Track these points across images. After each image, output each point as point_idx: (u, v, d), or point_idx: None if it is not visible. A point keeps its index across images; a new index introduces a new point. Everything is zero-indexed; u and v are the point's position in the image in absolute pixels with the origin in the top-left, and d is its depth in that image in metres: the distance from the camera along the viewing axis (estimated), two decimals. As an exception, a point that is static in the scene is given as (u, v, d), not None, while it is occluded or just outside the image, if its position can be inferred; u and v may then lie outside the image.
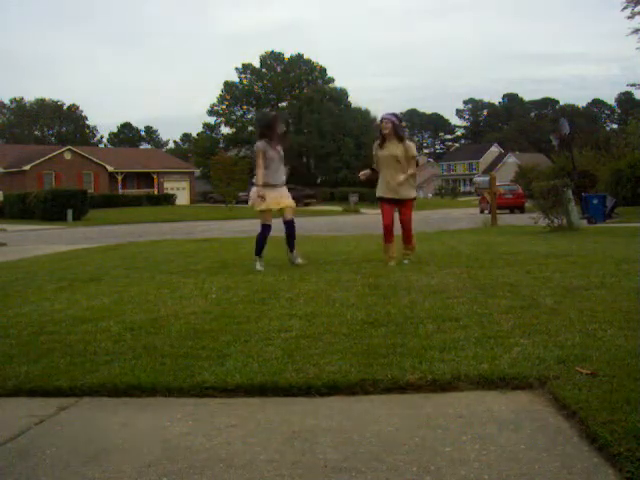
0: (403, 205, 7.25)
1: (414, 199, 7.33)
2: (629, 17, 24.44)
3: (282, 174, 7.23)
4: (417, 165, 7.39)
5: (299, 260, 7.29)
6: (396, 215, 7.33)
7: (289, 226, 7.23)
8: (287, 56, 72.92)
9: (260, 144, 7.09)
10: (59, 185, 41.23)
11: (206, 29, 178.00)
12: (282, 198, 7.19)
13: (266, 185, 7.04)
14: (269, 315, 4.44)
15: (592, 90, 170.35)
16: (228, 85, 72.18)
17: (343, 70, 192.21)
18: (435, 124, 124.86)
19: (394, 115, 7.30)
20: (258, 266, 7.05)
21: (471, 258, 7.58)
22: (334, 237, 13.44)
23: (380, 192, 7.26)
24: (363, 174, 7.54)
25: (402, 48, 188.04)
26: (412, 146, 7.26)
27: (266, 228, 7.17)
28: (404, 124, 8.23)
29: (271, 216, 7.20)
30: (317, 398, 2.90)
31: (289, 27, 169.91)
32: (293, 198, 7.37)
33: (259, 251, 7.15)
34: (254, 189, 7.12)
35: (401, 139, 7.16)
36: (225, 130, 73.29)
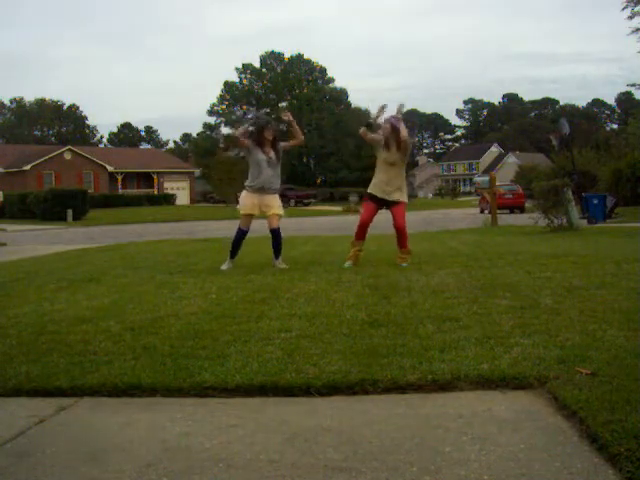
0: (395, 208, 7.07)
1: (405, 204, 7.17)
2: (629, 17, 24.48)
3: (269, 180, 7.05)
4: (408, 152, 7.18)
5: (283, 265, 7.12)
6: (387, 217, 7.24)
7: (274, 235, 7.15)
8: (287, 56, 72.91)
9: (249, 143, 7.09)
10: (59, 185, 41.19)
11: (206, 29, 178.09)
12: (267, 207, 7.07)
13: (249, 188, 7.07)
14: (269, 315, 4.44)
15: (592, 90, 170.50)
16: (228, 85, 72.17)
17: (343, 70, 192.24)
18: (435, 124, 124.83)
19: (395, 118, 7.18)
20: (224, 265, 7.15)
21: (471, 258, 7.58)
22: (334, 237, 13.44)
23: (372, 189, 7.13)
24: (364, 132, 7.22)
25: (402, 48, 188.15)
26: (407, 139, 7.05)
27: (239, 232, 7.16)
28: (411, 123, 8.08)
29: (248, 221, 7.14)
30: (317, 398, 2.90)
31: (289, 27, 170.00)
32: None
33: (231, 253, 7.20)
34: (242, 192, 7.18)
35: (399, 141, 7.01)
36: (225, 130, 73.32)
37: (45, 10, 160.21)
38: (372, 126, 7.33)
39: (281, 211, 7.21)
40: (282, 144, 7.31)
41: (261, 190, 7.05)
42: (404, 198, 7.15)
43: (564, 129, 18.99)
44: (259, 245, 9.40)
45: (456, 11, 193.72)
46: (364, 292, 5.26)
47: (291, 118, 7.27)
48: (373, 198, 7.13)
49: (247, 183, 7.12)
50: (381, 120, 7.21)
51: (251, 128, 7.28)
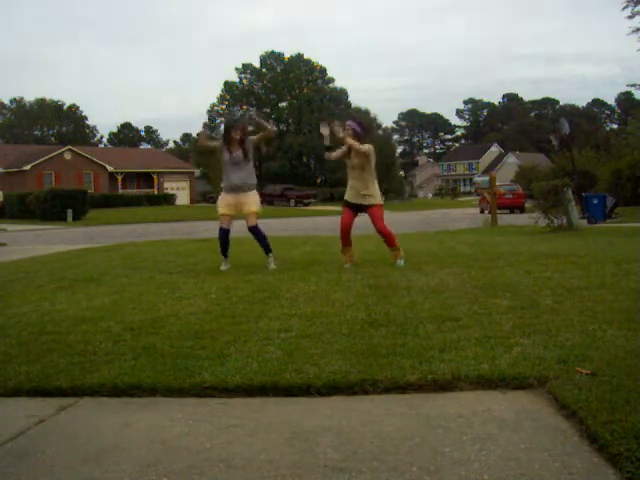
0: (371, 211, 7.03)
1: (380, 205, 7.12)
2: (629, 17, 24.48)
3: (240, 178, 7.06)
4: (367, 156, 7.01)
5: (272, 266, 7.06)
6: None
7: (253, 234, 7.18)
8: (287, 56, 72.89)
9: (219, 142, 7.19)
10: (59, 185, 41.17)
11: (206, 29, 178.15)
12: (241, 205, 7.11)
13: (223, 189, 7.19)
14: (269, 315, 4.44)
15: (592, 90, 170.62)
16: (228, 85, 72.15)
17: (343, 70, 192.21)
18: (435, 124, 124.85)
19: (355, 121, 7.14)
20: (222, 266, 7.21)
21: (471, 258, 7.58)
22: (334, 237, 13.42)
23: (346, 195, 7.19)
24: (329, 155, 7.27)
25: (402, 48, 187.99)
26: (365, 147, 6.94)
27: (220, 230, 7.21)
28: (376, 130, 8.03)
29: (227, 220, 7.16)
30: (317, 398, 2.90)
31: (289, 27, 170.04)
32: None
33: (222, 252, 7.25)
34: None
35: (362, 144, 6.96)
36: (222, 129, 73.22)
37: (45, 10, 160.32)
38: (332, 148, 7.34)
39: (255, 207, 7.18)
40: (252, 138, 7.28)
41: (234, 189, 7.11)
42: (377, 200, 7.10)
43: (564, 129, 18.99)
44: (256, 244, 9.38)
45: (456, 11, 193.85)
46: (364, 292, 5.26)
47: (258, 118, 7.37)
48: (348, 204, 7.17)
49: (222, 184, 7.28)
50: (341, 133, 7.13)
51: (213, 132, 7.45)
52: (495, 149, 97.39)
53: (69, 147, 52.72)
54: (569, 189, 14.01)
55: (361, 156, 6.95)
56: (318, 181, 68.43)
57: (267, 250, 7.21)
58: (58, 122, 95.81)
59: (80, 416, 2.81)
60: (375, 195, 7.09)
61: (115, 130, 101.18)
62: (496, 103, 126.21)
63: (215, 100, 72.84)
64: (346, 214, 7.16)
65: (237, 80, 72.86)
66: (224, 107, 72.34)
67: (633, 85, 58.80)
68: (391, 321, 4.09)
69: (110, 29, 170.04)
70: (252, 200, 7.18)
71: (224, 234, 7.18)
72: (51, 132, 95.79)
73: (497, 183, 19.82)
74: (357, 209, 7.15)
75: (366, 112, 67.45)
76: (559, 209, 13.87)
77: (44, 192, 33.65)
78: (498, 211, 19.06)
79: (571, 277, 5.66)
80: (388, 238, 7.09)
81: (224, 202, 7.17)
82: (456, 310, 4.35)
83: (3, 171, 48.18)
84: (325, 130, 7.26)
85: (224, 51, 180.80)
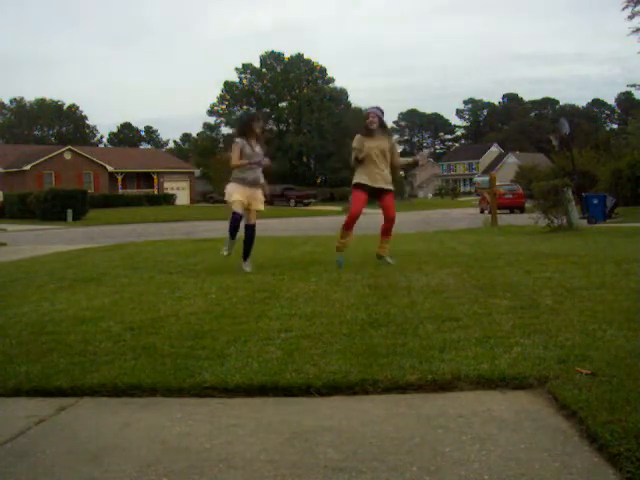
0: (386, 196, 7.13)
1: (393, 191, 7.29)
2: (629, 17, 24.48)
3: (257, 174, 7.07)
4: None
5: (248, 268, 6.97)
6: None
7: (249, 232, 7.09)
8: (287, 56, 72.92)
9: (239, 140, 7.05)
10: (59, 185, 41.18)
11: (206, 29, 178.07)
12: (253, 200, 7.07)
13: (237, 180, 7.05)
14: (269, 315, 4.44)
15: (592, 90, 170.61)
16: (228, 85, 72.16)
17: (343, 70, 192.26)
18: (435, 124, 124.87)
19: (379, 109, 7.34)
20: (224, 250, 7.25)
21: (471, 258, 7.58)
22: (334, 237, 13.42)
23: (360, 179, 7.10)
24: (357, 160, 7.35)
25: (402, 48, 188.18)
26: (393, 140, 7.41)
27: (234, 215, 6.99)
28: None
29: (241, 206, 7.00)
30: (317, 398, 2.90)
31: (289, 27, 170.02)
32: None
33: (230, 234, 7.12)
34: (229, 184, 7.12)
35: (387, 132, 7.31)
36: (225, 130, 73.33)
37: (45, 10, 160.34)
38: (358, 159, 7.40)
39: (262, 206, 7.18)
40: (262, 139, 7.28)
41: (248, 184, 7.02)
42: (392, 186, 7.27)
43: (564, 129, 18.98)
44: (258, 245, 9.39)
45: (456, 11, 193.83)
46: (364, 292, 5.26)
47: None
48: (362, 187, 7.11)
49: (235, 176, 7.08)
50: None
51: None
52: (495, 149, 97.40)
53: (69, 147, 52.73)
54: (569, 189, 14.01)
55: (387, 141, 7.18)
56: (318, 181, 68.48)
57: (247, 255, 7.08)
58: (58, 122, 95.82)
59: (80, 416, 2.81)
60: (389, 180, 7.23)
61: (115, 130, 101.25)
62: (496, 103, 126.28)
63: (215, 100, 72.96)
64: (361, 198, 7.13)
65: (237, 80, 72.93)
66: (224, 107, 72.37)
67: (633, 85, 58.85)
68: (391, 321, 4.09)
69: (110, 29, 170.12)
70: (260, 197, 7.17)
71: (238, 219, 7.04)
72: (51, 132, 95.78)
73: (497, 183, 19.82)
74: (372, 194, 7.16)
75: (366, 112, 67.41)
76: (559, 209, 13.87)
77: (44, 192, 33.66)
78: (498, 211, 19.06)
79: (571, 277, 5.66)
80: (392, 225, 7.19)
81: (239, 190, 7.03)
82: (456, 310, 4.35)
83: (3, 171, 48.18)
84: None
85: (224, 51, 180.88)
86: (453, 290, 5.18)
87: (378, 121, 7.14)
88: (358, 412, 2.70)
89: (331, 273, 6.46)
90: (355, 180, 7.17)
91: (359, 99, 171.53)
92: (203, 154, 63.98)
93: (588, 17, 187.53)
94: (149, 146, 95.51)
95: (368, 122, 7.17)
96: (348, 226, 7.17)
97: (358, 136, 7.21)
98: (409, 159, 8.04)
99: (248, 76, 72.78)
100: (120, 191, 52.57)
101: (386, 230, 7.21)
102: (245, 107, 71.76)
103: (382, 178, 7.09)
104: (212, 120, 73.34)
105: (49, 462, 2.31)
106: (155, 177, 55.92)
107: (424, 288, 5.32)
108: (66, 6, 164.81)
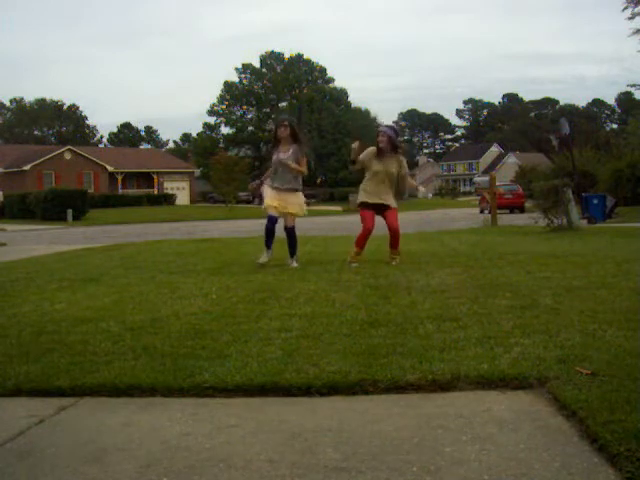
0: (389, 212, 7.25)
1: (396, 208, 7.39)
2: (629, 18, 24.48)
3: (283, 179, 7.12)
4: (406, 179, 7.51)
5: (294, 264, 7.19)
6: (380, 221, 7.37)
7: (288, 234, 7.25)
8: (287, 56, 72.92)
9: (273, 149, 7.27)
10: (59, 185, 41.18)
11: (206, 29, 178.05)
12: (285, 203, 7.13)
13: (268, 185, 7.24)
14: (269, 315, 4.44)
15: (592, 90, 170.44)
16: (228, 85, 72.14)
17: (343, 70, 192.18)
18: (435, 124, 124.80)
19: (392, 129, 7.38)
20: (261, 258, 7.24)
21: (471, 258, 7.58)
22: (334, 237, 13.43)
23: (365, 198, 7.26)
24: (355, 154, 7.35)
25: (402, 48, 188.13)
26: (404, 163, 7.38)
27: (269, 219, 7.15)
28: (401, 139, 8.36)
29: (275, 210, 7.12)
30: (317, 398, 2.90)
31: (289, 27, 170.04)
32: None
33: (266, 242, 7.24)
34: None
35: (399, 154, 7.29)
36: (225, 130, 73.33)
37: (45, 10, 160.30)
38: (354, 162, 7.46)
39: (295, 210, 7.21)
40: (298, 150, 7.16)
41: (277, 188, 7.16)
42: (395, 204, 7.38)
43: (564, 129, 18.99)
44: (258, 245, 9.39)
45: (456, 11, 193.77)
46: (364, 292, 5.26)
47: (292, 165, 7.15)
48: (367, 205, 7.28)
49: (264, 180, 7.46)
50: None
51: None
52: (495, 149, 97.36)
53: (69, 147, 52.76)
54: (569, 189, 14.01)
55: (396, 166, 7.20)
56: (318, 181, 68.43)
57: (292, 253, 7.28)
58: (58, 122, 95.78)
59: (80, 416, 2.81)
60: (393, 199, 7.34)
61: (115, 130, 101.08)
62: (496, 103, 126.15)
63: (215, 100, 72.92)
64: (370, 215, 7.26)
65: (237, 80, 72.90)
66: (224, 107, 72.35)
67: (633, 85, 58.88)
68: (391, 321, 4.09)
69: (110, 29, 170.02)
70: (295, 201, 7.20)
71: (272, 223, 7.11)
72: (51, 132, 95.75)
73: (497, 183, 19.82)
74: (376, 210, 7.27)
75: (366, 112, 67.50)
76: (559, 209, 13.87)
77: (44, 192, 33.70)
78: (498, 211, 19.05)
79: (571, 277, 5.66)
80: (399, 238, 7.25)
81: (269, 194, 7.16)
82: (456, 310, 4.35)
83: (3, 171, 48.19)
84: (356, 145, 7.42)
85: (224, 51, 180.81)
86: (453, 290, 5.18)
87: (387, 141, 7.12)
88: (358, 412, 2.70)
89: (331, 273, 6.46)
90: (359, 199, 7.37)
91: (359, 99, 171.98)
92: (203, 154, 63.95)
93: (588, 17, 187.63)
94: (149, 146, 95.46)
95: (377, 141, 7.17)
96: (359, 243, 7.26)
97: (370, 149, 7.23)
98: (413, 182, 8.06)
99: (248, 76, 72.77)
100: (120, 191, 52.59)
101: (392, 243, 7.31)
102: (245, 107, 71.80)
103: (385, 195, 7.21)
104: (212, 120, 73.35)
105: (49, 462, 2.31)
106: (155, 177, 55.93)
107: (424, 288, 5.33)
108: (66, 6, 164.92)
